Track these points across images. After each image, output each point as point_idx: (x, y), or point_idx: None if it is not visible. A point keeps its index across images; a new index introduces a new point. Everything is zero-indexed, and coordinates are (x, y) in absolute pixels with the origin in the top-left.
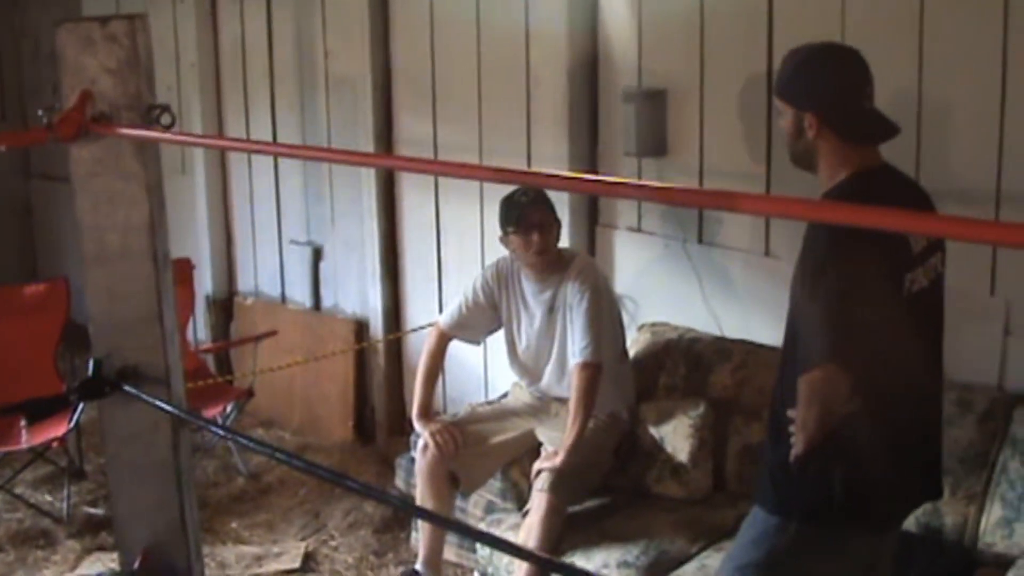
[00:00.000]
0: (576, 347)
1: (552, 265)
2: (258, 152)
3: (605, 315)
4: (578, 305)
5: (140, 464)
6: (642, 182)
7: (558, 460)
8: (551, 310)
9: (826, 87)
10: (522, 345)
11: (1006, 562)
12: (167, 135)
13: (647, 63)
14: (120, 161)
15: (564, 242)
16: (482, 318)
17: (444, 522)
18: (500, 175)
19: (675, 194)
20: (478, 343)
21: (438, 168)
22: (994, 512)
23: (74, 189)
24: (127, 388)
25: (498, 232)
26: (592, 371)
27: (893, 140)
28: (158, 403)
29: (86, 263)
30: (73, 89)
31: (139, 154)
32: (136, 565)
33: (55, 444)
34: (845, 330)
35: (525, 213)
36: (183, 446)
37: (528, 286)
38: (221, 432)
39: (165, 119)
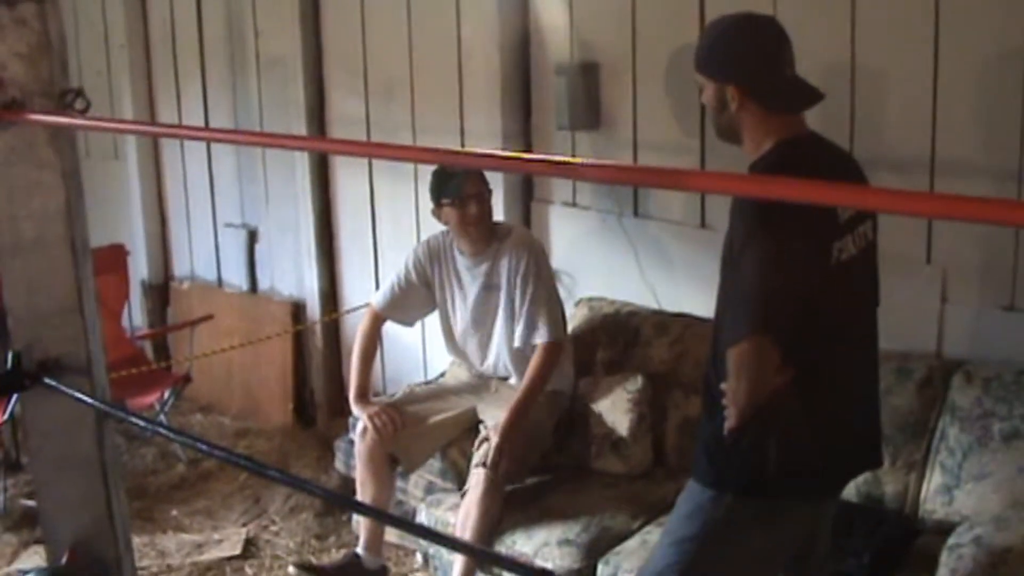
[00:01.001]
0: (538, 327)
1: (487, 238)
2: (183, 137)
3: (553, 290)
4: (526, 282)
5: (64, 458)
6: (590, 161)
7: (498, 433)
8: (487, 286)
9: (746, 58)
10: (457, 323)
11: (947, 529)
12: (81, 120)
13: (579, 36)
14: (34, 149)
15: (499, 218)
16: (415, 297)
17: (378, 514)
18: (435, 156)
19: (624, 173)
20: (411, 325)
21: (371, 151)
22: (934, 480)
23: None
24: (48, 381)
25: (431, 207)
26: (557, 350)
27: (827, 110)
28: (79, 396)
29: (2, 254)
30: None
31: (53, 141)
32: (63, 561)
33: None
34: (772, 300)
35: (460, 183)
36: (107, 438)
37: (462, 261)
38: (144, 424)
39: (79, 103)
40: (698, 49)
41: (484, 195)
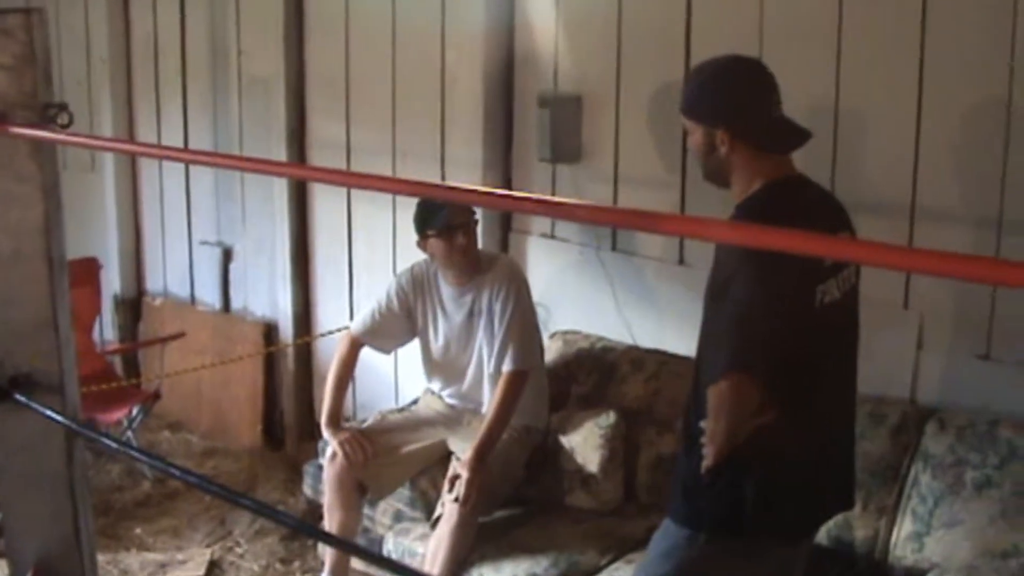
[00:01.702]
0: (508, 354)
1: (473, 268)
2: (164, 157)
3: (530, 320)
4: (504, 310)
5: (32, 475)
6: (565, 200)
7: (469, 468)
8: (471, 314)
9: (734, 101)
10: (439, 351)
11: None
12: (63, 135)
13: (563, 68)
14: (14, 161)
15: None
16: (395, 326)
17: (344, 544)
18: (415, 188)
19: (599, 213)
20: (388, 353)
21: (353, 181)
22: (905, 526)
23: None
24: (18, 397)
25: (414, 237)
26: (522, 379)
27: (809, 151)
28: (49, 413)
29: None
30: None
31: (35, 154)
32: None
33: None
34: (753, 340)
35: (447, 214)
36: (77, 457)
37: (447, 290)
38: (113, 445)
39: (62, 118)
40: (685, 93)
41: (471, 225)
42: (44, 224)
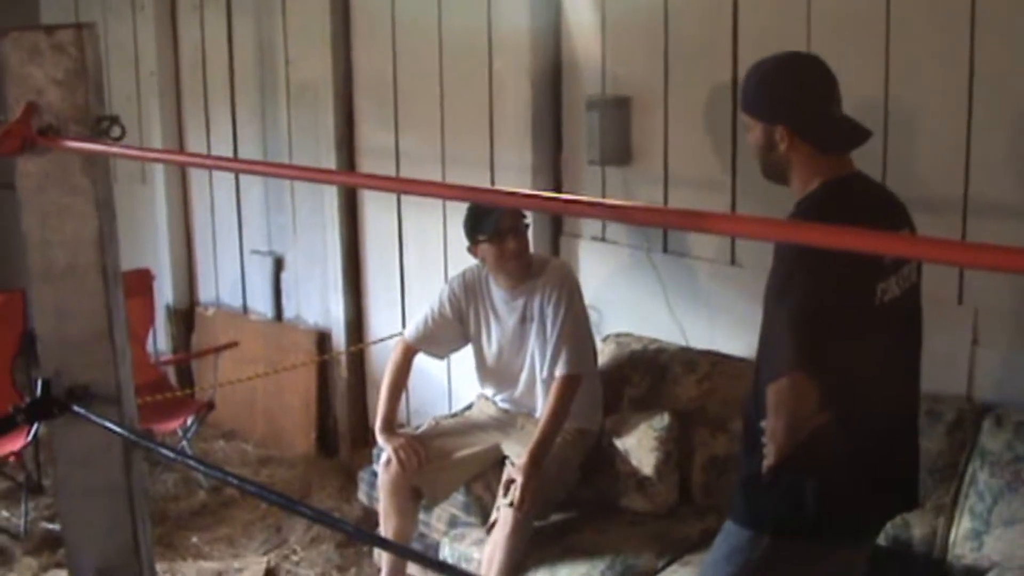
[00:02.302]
0: (560, 358)
1: (524, 272)
2: (209, 167)
3: (583, 324)
4: (556, 313)
5: (91, 486)
6: (610, 201)
7: (524, 472)
8: (523, 319)
9: (794, 98)
10: (492, 356)
11: (976, 574)
12: (115, 148)
13: (611, 71)
14: (68, 175)
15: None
16: (449, 331)
17: (400, 549)
18: (462, 193)
19: (641, 214)
20: (442, 358)
21: (398, 186)
22: (963, 524)
23: (21, 203)
24: (77, 409)
25: (464, 243)
26: (575, 383)
27: (860, 148)
28: (108, 424)
29: (33, 279)
30: (19, 100)
31: (87, 167)
32: None
33: (12, 459)
34: (812, 338)
35: (496, 219)
36: (135, 467)
37: (499, 294)
38: (171, 455)
39: (114, 131)
40: (744, 89)
41: (521, 229)
42: (98, 237)
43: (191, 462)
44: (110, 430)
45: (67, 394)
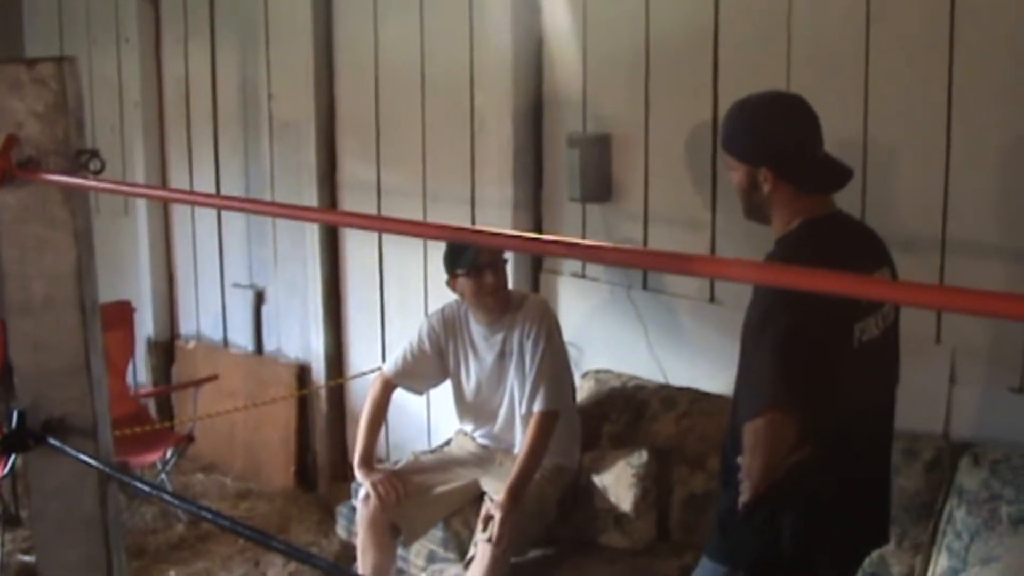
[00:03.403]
0: (539, 395)
1: (503, 307)
2: (196, 204)
3: (561, 360)
4: (535, 349)
5: (66, 519)
6: (597, 244)
7: (502, 508)
8: (502, 354)
9: (778, 141)
10: (471, 391)
11: None
12: (94, 182)
13: (592, 108)
14: (47, 207)
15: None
16: (428, 367)
17: None
18: (444, 233)
19: (630, 256)
20: (421, 394)
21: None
22: (940, 562)
23: (0, 235)
24: (52, 441)
25: (443, 277)
26: (552, 419)
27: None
28: (83, 457)
29: (11, 312)
30: None
31: (67, 201)
32: None
33: None
34: (790, 378)
35: (475, 254)
36: (111, 500)
37: (477, 330)
38: (147, 489)
39: (94, 165)
40: (727, 131)
41: (499, 264)
42: (76, 270)
43: (166, 496)
44: (85, 463)
45: (43, 426)
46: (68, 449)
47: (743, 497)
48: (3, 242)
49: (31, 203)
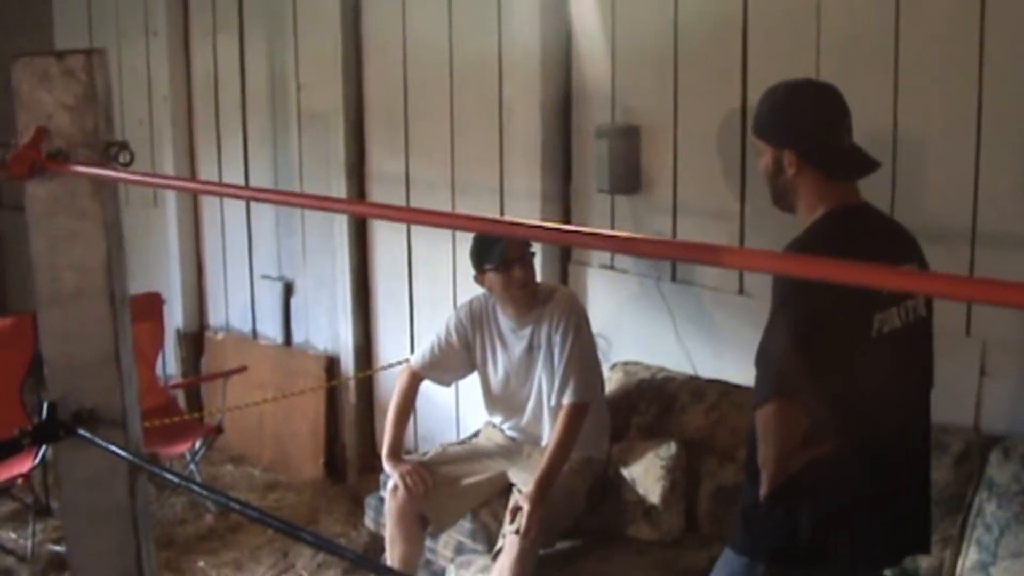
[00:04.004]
0: (568, 387)
1: (531, 301)
2: (223, 195)
3: (590, 352)
4: (564, 342)
5: (96, 509)
6: (626, 234)
7: (530, 500)
8: (530, 347)
9: (805, 125)
10: (499, 384)
11: None
12: (123, 174)
13: (621, 99)
14: (77, 199)
15: (537, 279)
16: (455, 359)
17: None
18: (473, 224)
19: (657, 247)
20: (448, 386)
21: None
22: (970, 556)
23: (30, 227)
24: (82, 432)
25: (471, 272)
26: (582, 411)
27: (868, 178)
28: (113, 448)
29: (41, 303)
30: (29, 125)
31: (96, 192)
32: None
33: (20, 481)
34: (800, 367)
35: (503, 248)
36: (140, 491)
37: (506, 323)
38: (176, 480)
39: (123, 157)
40: (757, 114)
41: (527, 258)
42: (106, 261)
43: (194, 487)
44: (115, 454)
45: (73, 417)
46: (98, 440)
47: (762, 488)
48: (33, 234)
49: (61, 195)
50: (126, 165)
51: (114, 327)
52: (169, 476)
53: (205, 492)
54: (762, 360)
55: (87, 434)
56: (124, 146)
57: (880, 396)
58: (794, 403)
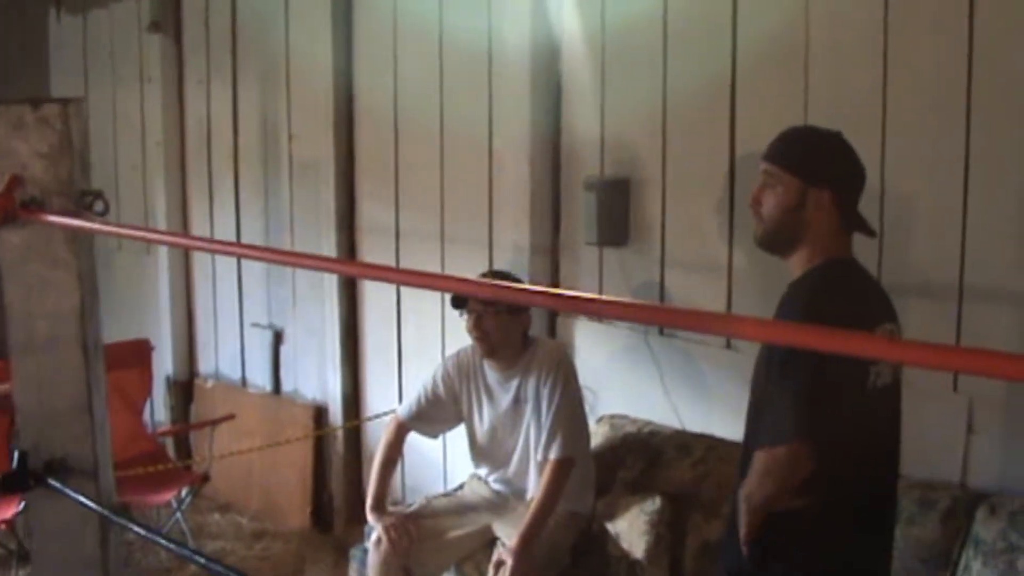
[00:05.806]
0: (555, 442)
1: (515, 353)
2: (205, 250)
3: (577, 407)
4: (551, 396)
5: (67, 560)
6: (638, 303)
7: (514, 554)
8: (517, 400)
9: (848, 170)
10: (485, 436)
11: None
12: (97, 225)
13: (609, 152)
14: (51, 248)
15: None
16: (442, 411)
17: None
18: (461, 286)
19: (673, 317)
20: (435, 438)
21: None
22: None
23: (4, 275)
24: (52, 482)
25: (462, 322)
26: (568, 467)
27: (857, 235)
28: (82, 499)
29: (14, 351)
30: (3, 173)
31: (71, 241)
32: None
33: (2, 526)
34: (816, 411)
35: (464, 297)
36: (112, 542)
37: (492, 375)
38: (143, 533)
39: (98, 206)
40: (787, 147)
41: (481, 314)
42: (79, 310)
43: (160, 540)
44: (84, 505)
45: (44, 467)
46: (68, 491)
47: (742, 530)
48: (7, 281)
49: (35, 243)
50: (101, 215)
51: (87, 376)
52: (137, 529)
53: (171, 546)
54: (775, 405)
55: (57, 484)
56: (99, 195)
57: (866, 452)
58: (809, 448)
